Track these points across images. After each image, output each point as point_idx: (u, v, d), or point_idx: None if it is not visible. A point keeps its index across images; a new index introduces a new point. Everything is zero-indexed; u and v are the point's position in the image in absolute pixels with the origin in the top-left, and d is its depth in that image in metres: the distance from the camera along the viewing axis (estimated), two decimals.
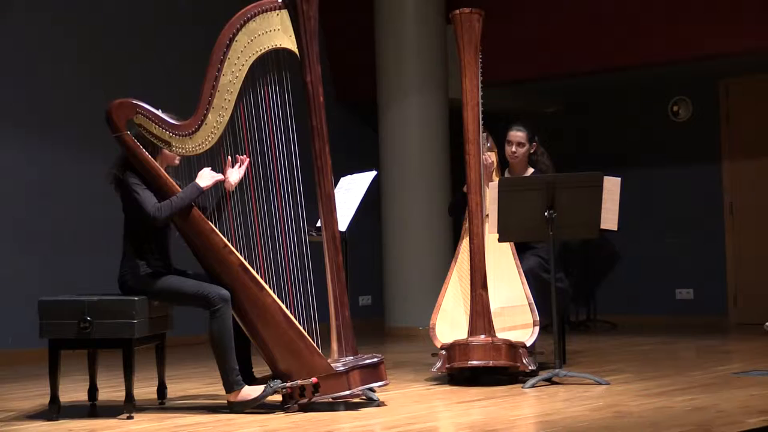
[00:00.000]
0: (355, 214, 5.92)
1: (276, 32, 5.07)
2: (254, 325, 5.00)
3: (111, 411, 4.98)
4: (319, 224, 5.18)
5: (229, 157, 5.14)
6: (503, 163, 6.42)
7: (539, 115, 10.54)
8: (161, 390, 5.32)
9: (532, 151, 6.36)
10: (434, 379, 5.97)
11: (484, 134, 6.06)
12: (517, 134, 6.33)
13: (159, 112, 5.03)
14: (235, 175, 5.17)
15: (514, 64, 9.21)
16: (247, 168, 5.16)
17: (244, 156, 5.16)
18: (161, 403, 5.27)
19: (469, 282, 5.82)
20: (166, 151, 5.05)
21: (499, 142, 6.39)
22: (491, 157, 6.25)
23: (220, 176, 5.10)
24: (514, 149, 6.32)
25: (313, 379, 4.86)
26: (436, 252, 9.32)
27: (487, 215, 5.80)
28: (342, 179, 6.19)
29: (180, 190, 5.03)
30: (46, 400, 4.96)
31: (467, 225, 5.99)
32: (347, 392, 4.91)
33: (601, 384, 5.53)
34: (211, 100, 5.02)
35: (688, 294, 9.86)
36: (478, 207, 5.83)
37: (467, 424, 4.62)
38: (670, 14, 8.57)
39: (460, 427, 4.60)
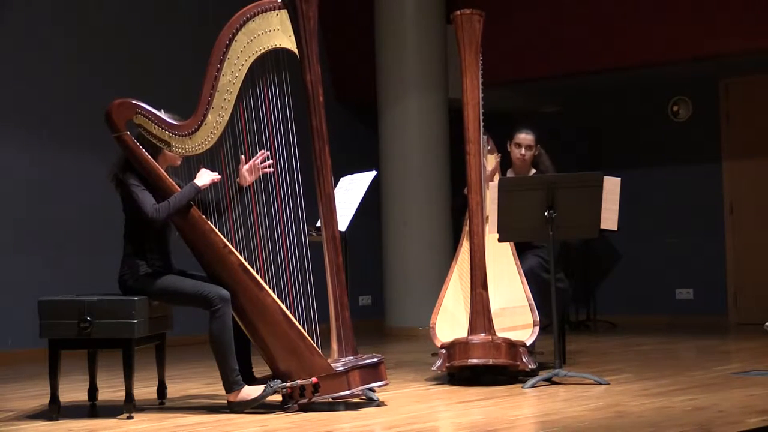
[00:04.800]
0: (355, 214, 5.92)
1: (275, 32, 5.07)
2: (254, 325, 5.00)
3: (111, 411, 4.98)
4: (319, 224, 5.18)
5: (243, 157, 5.12)
6: (504, 164, 6.41)
7: (539, 115, 10.54)
8: (161, 390, 5.32)
9: (536, 153, 6.38)
10: (434, 379, 5.97)
11: (485, 137, 6.06)
12: (527, 137, 6.33)
13: (159, 113, 5.03)
14: (251, 172, 5.16)
15: (514, 64, 9.21)
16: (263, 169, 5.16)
17: (266, 153, 5.13)
18: (161, 403, 5.27)
19: (469, 281, 5.82)
20: (168, 152, 5.05)
21: (500, 143, 6.39)
22: (492, 161, 6.25)
23: (217, 175, 5.10)
24: (523, 151, 6.32)
25: (313, 379, 4.86)
26: (436, 252, 9.32)
27: (488, 216, 5.81)
28: (342, 179, 6.19)
29: (179, 189, 5.03)
30: (46, 400, 4.96)
31: (468, 226, 5.99)
32: (347, 392, 4.91)
33: (601, 384, 5.53)
34: (211, 100, 5.02)
35: (688, 294, 9.86)
36: (478, 207, 5.83)
37: (467, 424, 4.62)
38: (671, 14, 8.57)
39: (460, 427, 4.60)
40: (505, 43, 9.04)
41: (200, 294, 4.94)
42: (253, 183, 5.16)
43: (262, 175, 5.15)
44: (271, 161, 5.15)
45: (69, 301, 4.91)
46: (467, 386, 5.67)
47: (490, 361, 5.63)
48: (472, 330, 5.71)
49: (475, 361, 5.63)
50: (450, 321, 5.95)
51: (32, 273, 8.03)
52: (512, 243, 6.08)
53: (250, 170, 5.14)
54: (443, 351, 5.73)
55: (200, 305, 4.96)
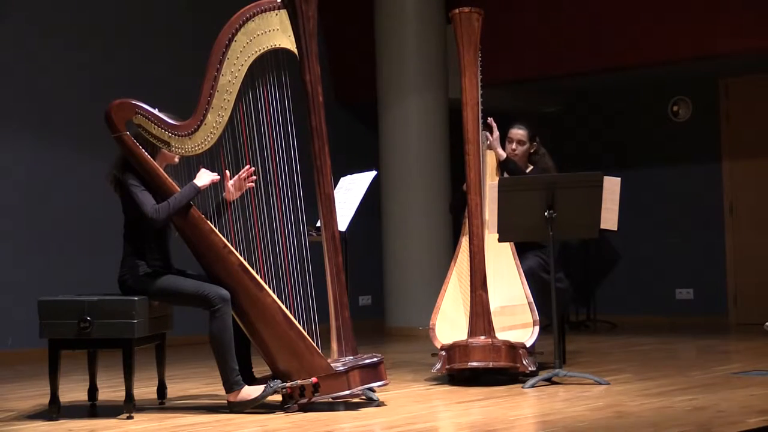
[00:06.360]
0: (355, 214, 5.92)
1: (275, 32, 5.07)
2: (254, 325, 5.00)
3: (111, 411, 4.98)
4: (318, 224, 5.18)
5: (227, 172, 5.12)
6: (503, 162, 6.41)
7: (539, 115, 10.54)
8: (161, 390, 5.32)
9: (532, 150, 6.37)
10: (434, 379, 5.97)
11: (484, 132, 6.07)
12: (518, 132, 6.33)
13: (158, 113, 5.03)
14: (237, 188, 5.15)
15: (514, 64, 9.21)
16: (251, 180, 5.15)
17: (251, 168, 5.13)
18: (161, 403, 5.27)
19: (468, 282, 5.81)
20: (165, 151, 5.05)
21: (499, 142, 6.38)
22: (491, 157, 6.26)
23: (216, 176, 5.10)
24: (514, 146, 6.32)
25: (313, 379, 4.86)
26: (436, 252, 9.31)
27: (487, 215, 5.81)
28: (342, 179, 6.19)
29: (179, 190, 5.03)
30: (46, 400, 4.96)
31: (467, 224, 5.99)
32: (347, 392, 4.91)
33: (601, 384, 5.53)
34: (211, 100, 5.02)
35: (688, 294, 9.86)
36: (478, 207, 5.83)
37: (467, 424, 4.62)
38: (671, 14, 8.57)
39: (460, 427, 4.60)
40: (505, 43, 9.04)
41: (200, 294, 4.94)
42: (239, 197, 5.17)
43: (262, 175, 5.15)
44: (254, 177, 5.14)
45: (69, 301, 4.91)
46: (467, 386, 5.67)
47: (490, 365, 5.62)
48: (472, 332, 5.71)
49: (475, 364, 5.62)
50: (450, 322, 5.95)
51: (32, 273, 8.03)
52: (512, 243, 6.07)
53: (235, 185, 5.14)
54: (443, 353, 5.73)
55: (200, 305, 4.96)
